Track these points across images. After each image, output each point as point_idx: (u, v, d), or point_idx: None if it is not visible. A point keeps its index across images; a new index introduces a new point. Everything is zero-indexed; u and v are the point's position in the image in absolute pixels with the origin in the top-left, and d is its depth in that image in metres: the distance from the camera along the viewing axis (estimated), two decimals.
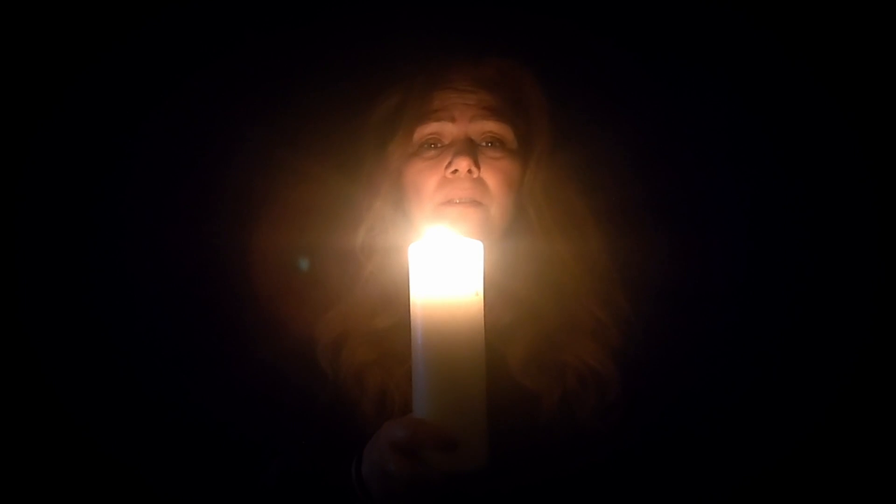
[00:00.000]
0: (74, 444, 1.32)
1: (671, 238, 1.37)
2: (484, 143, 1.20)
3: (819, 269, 1.39)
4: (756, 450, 1.27)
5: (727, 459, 1.20)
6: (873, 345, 1.34)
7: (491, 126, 1.20)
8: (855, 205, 1.37)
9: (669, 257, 1.33)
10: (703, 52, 1.42)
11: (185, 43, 1.37)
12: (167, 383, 1.35)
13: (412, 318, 0.93)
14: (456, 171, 1.16)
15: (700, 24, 1.40)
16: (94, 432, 1.32)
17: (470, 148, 1.17)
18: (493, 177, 1.18)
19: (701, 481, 1.16)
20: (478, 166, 1.16)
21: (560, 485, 1.09)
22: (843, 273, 1.37)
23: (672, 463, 1.14)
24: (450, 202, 1.17)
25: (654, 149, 1.43)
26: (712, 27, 1.40)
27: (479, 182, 1.17)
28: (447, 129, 1.20)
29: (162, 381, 1.35)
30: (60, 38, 1.34)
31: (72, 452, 1.32)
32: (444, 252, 0.92)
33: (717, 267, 1.40)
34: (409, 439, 0.91)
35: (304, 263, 1.32)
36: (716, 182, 1.44)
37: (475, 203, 1.16)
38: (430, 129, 1.20)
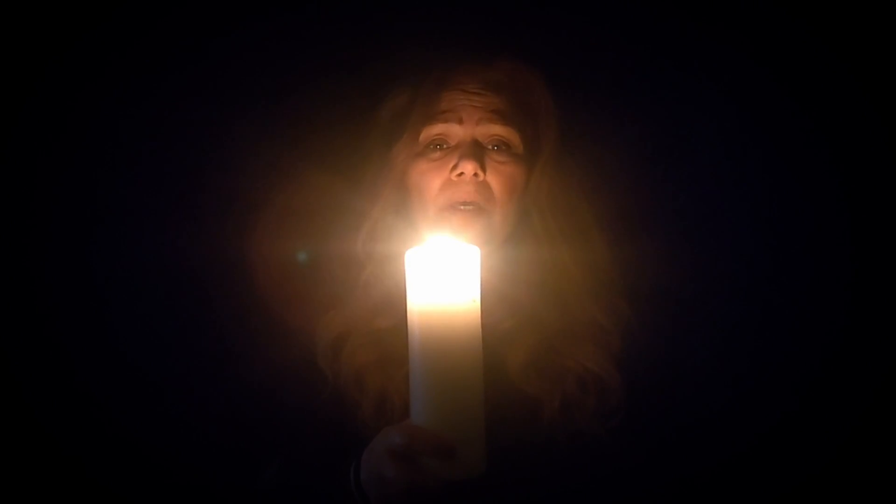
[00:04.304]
0: (74, 446, 1.33)
1: (674, 244, 1.37)
2: (490, 147, 1.19)
3: (825, 275, 1.37)
4: (759, 455, 1.26)
5: (729, 465, 1.19)
6: (880, 352, 1.32)
7: (498, 130, 1.19)
8: (862, 211, 1.35)
9: (672, 262, 1.32)
10: (710, 58, 1.40)
11: (186, 41, 1.37)
12: (166, 385, 1.35)
13: (409, 324, 0.93)
14: (461, 173, 1.16)
15: (707, 31, 1.39)
16: (91, 435, 1.34)
17: (476, 151, 1.17)
18: (498, 181, 1.17)
19: (702, 487, 1.15)
20: (483, 170, 1.16)
21: (560, 490, 1.08)
22: (849, 279, 1.35)
23: (673, 468, 1.13)
24: (452, 206, 1.16)
25: (659, 154, 1.42)
26: (719, 34, 1.38)
27: (484, 185, 1.16)
28: (454, 131, 1.19)
29: (161, 384, 1.36)
30: (54, 35, 1.34)
31: (70, 454, 1.33)
32: (440, 259, 0.92)
33: (720, 273, 1.38)
34: (406, 446, 0.91)
35: (303, 257, 1.32)
36: (720, 188, 1.42)
37: (478, 209, 1.16)
38: (436, 129, 1.20)
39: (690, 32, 1.39)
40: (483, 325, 0.93)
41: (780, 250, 1.39)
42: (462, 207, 1.16)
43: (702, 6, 1.38)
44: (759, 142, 1.41)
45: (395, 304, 1.11)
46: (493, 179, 1.17)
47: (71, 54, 1.35)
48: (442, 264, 0.91)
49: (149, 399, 1.35)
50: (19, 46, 1.33)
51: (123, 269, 1.39)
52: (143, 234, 1.39)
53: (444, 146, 1.20)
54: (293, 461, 1.12)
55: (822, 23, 1.35)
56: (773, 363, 1.34)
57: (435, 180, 1.18)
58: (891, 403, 1.32)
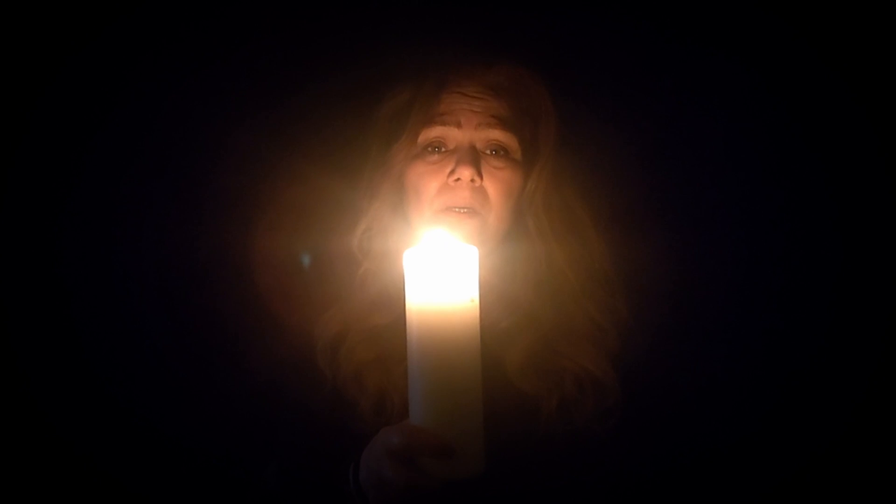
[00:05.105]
0: (70, 449, 1.33)
1: (671, 242, 1.37)
2: (488, 151, 1.19)
3: (823, 273, 1.37)
4: (756, 455, 1.26)
5: (726, 465, 1.20)
6: (881, 353, 1.32)
7: (497, 135, 1.19)
8: (860, 207, 1.36)
9: (669, 262, 1.32)
10: (707, 62, 1.41)
11: (187, 42, 1.38)
12: (164, 384, 1.36)
13: (408, 324, 0.93)
14: (458, 179, 1.16)
15: (704, 35, 1.40)
16: (89, 436, 1.34)
17: (474, 156, 1.17)
18: (494, 186, 1.17)
19: (699, 486, 1.15)
20: (480, 175, 1.16)
21: (558, 490, 1.08)
22: (847, 277, 1.35)
23: (670, 468, 1.14)
24: (448, 209, 1.16)
25: (655, 152, 1.43)
26: (716, 38, 1.39)
27: (480, 190, 1.17)
28: (452, 135, 1.19)
29: (159, 382, 1.36)
30: (60, 39, 1.35)
31: (67, 456, 1.33)
32: (439, 258, 0.92)
33: (717, 272, 1.39)
34: (405, 446, 0.91)
35: (305, 259, 1.32)
36: (717, 186, 1.43)
37: (473, 212, 1.16)
38: (434, 132, 1.20)
39: (688, 36, 1.40)
40: (481, 324, 0.93)
41: (777, 250, 1.40)
42: (457, 210, 1.16)
43: (699, 10, 1.39)
44: (755, 144, 1.41)
45: (393, 301, 1.12)
46: (490, 184, 1.17)
47: (76, 57, 1.36)
48: (440, 264, 0.91)
49: (147, 397, 1.36)
50: (26, 49, 1.34)
51: (124, 266, 1.40)
52: (144, 232, 1.40)
53: (442, 149, 1.20)
54: (292, 461, 1.12)
55: (818, 27, 1.35)
56: (770, 361, 1.35)
57: (432, 183, 1.18)
58: (888, 402, 1.32)
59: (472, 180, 1.15)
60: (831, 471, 1.29)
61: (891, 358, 1.33)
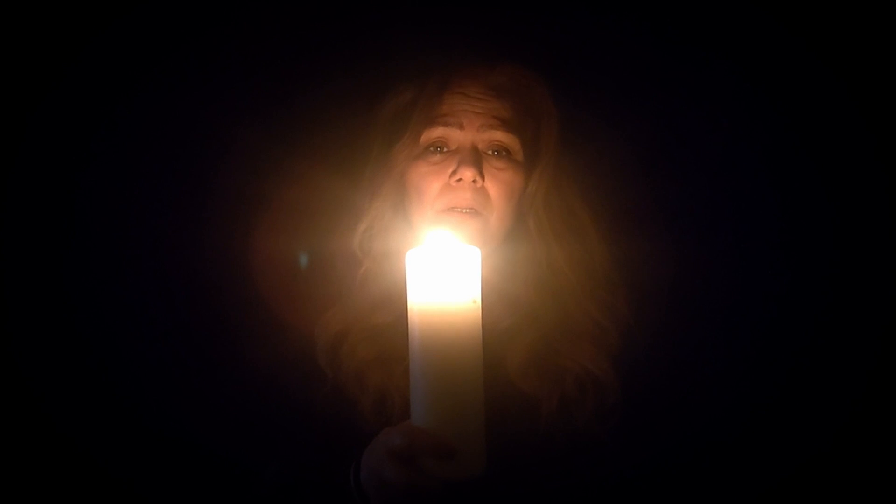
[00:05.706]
0: (71, 450, 1.34)
1: (672, 243, 1.38)
2: (490, 152, 1.19)
3: (823, 274, 1.38)
4: (756, 454, 1.26)
5: (726, 464, 1.20)
6: (880, 352, 1.32)
7: (499, 136, 1.19)
8: (863, 210, 1.36)
9: (669, 262, 1.33)
10: (705, 59, 1.42)
11: (189, 43, 1.38)
12: (165, 386, 1.36)
13: (409, 324, 0.93)
14: (460, 179, 1.16)
15: (701, 33, 1.40)
16: (89, 437, 1.34)
17: (476, 157, 1.17)
18: (496, 187, 1.17)
19: (700, 486, 1.16)
20: (482, 176, 1.16)
21: (559, 490, 1.08)
22: (847, 277, 1.36)
23: (670, 468, 1.14)
24: (450, 209, 1.17)
25: (656, 152, 1.44)
26: (716, 38, 1.40)
27: (482, 191, 1.17)
28: (454, 136, 1.19)
29: (160, 385, 1.37)
30: (61, 40, 1.35)
31: (68, 458, 1.34)
32: (441, 259, 0.92)
33: (716, 272, 1.40)
34: (406, 447, 0.92)
35: (303, 259, 1.33)
36: (716, 187, 1.44)
37: (474, 212, 1.17)
38: (437, 133, 1.20)
39: (689, 39, 1.41)
40: (482, 324, 0.93)
41: (777, 250, 1.41)
42: (459, 210, 1.16)
43: (700, 12, 1.39)
44: (755, 145, 1.42)
45: (394, 301, 1.12)
46: (492, 185, 1.17)
47: (77, 59, 1.36)
48: (442, 265, 0.91)
49: (148, 397, 1.36)
50: (26, 51, 1.34)
51: (126, 265, 1.40)
52: (145, 232, 1.40)
53: (444, 149, 1.20)
54: (293, 460, 1.12)
55: (818, 30, 1.36)
56: (770, 361, 1.36)
57: (434, 183, 1.18)
58: (888, 401, 1.33)
59: (474, 181, 1.16)
60: (831, 470, 1.30)
61: (890, 358, 1.33)
